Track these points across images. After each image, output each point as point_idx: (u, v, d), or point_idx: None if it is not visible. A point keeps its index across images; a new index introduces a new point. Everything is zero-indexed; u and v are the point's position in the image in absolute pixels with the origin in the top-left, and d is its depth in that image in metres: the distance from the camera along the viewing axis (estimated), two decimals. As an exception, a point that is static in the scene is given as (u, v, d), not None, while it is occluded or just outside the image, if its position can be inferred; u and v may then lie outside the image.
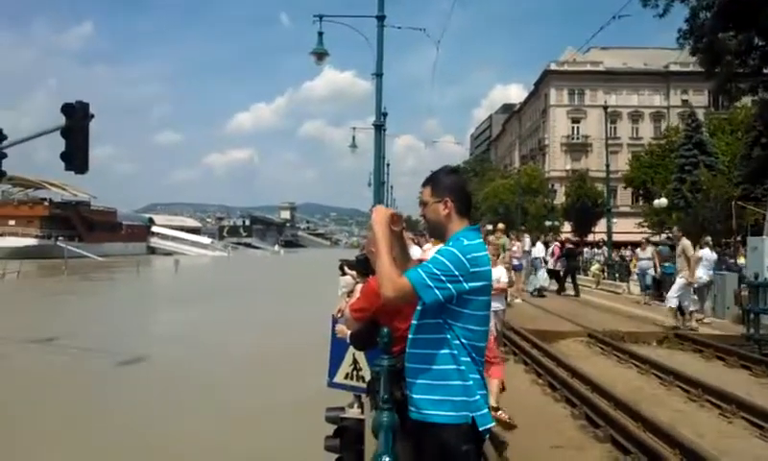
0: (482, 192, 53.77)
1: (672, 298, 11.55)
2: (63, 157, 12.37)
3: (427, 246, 4.31)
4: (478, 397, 2.34)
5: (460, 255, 2.31)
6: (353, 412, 5.84)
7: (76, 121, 12.29)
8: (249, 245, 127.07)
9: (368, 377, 5.72)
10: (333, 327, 5.84)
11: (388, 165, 32.01)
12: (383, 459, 1.30)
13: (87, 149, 12.49)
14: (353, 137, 29.48)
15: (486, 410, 2.36)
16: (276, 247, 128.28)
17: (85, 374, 11.36)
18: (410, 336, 2.49)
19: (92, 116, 12.70)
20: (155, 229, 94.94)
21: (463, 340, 2.34)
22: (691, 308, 11.72)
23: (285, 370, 11.29)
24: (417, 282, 2.28)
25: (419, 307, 2.42)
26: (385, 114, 16.93)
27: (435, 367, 2.36)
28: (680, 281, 11.55)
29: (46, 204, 70.30)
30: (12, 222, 65.81)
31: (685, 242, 11.93)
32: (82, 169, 12.54)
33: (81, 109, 12.41)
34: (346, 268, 4.54)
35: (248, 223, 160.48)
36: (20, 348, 13.65)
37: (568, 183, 49.52)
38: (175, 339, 15.47)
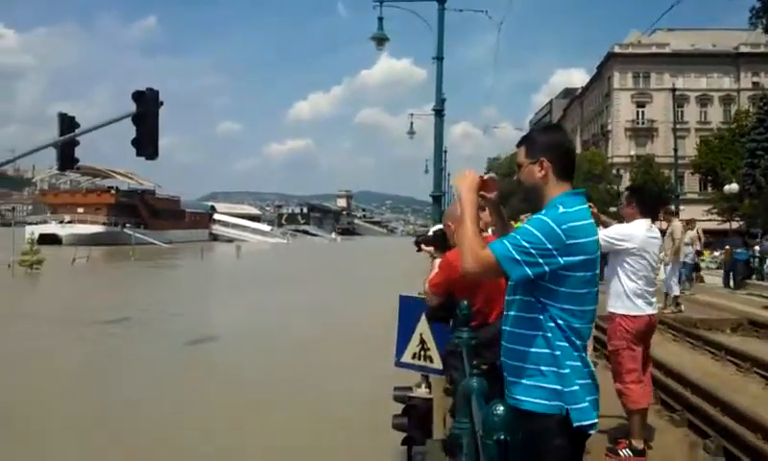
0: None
1: (673, 285, 11.76)
2: (134, 143, 12.78)
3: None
4: (576, 387, 2.09)
5: (554, 226, 2.06)
6: (421, 392, 5.85)
7: (146, 108, 12.67)
8: (306, 232, 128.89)
9: (435, 358, 5.74)
10: (400, 307, 5.88)
11: (445, 152, 31.82)
12: (497, 408, 1.28)
13: (157, 135, 12.87)
14: (411, 124, 29.46)
15: (585, 404, 2.10)
16: (333, 234, 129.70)
17: (146, 356, 11.71)
18: (505, 313, 2.29)
19: (161, 103, 13.08)
20: (216, 216, 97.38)
21: (559, 322, 2.10)
22: (675, 293, 11.80)
23: (352, 350, 11.41)
24: (502, 256, 2.05)
25: (510, 283, 2.21)
26: (444, 100, 16.82)
27: (527, 349, 2.14)
28: (671, 266, 11.75)
29: (113, 192, 72.86)
30: (80, 210, 68.46)
31: (676, 224, 11.90)
32: (152, 155, 12.92)
33: (151, 96, 12.78)
34: (422, 244, 4.52)
35: (305, 211, 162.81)
36: (82, 329, 14.17)
37: (633, 169, 48.17)
38: (241, 321, 15.82)
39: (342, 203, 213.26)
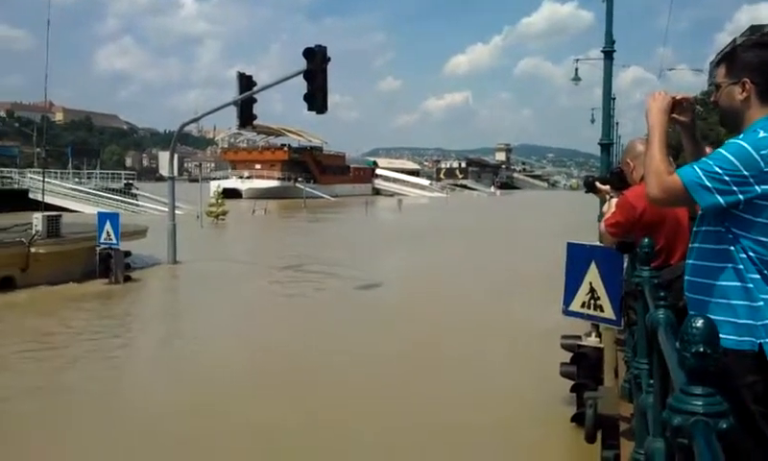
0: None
1: None
2: (306, 98, 13.57)
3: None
4: None
5: (751, 151, 1.90)
6: (591, 340, 5.73)
7: (316, 64, 13.35)
8: (465, 186, 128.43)
9: (606, 307, 5.58)
10: (567, 254, 5.75)
11: (614, 99, 30.00)
12: (696, 320, 1.24)
13: (326, 90, 13.55)
14: (576, 70, 28.01)
15: None
16: (492, 188, 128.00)
17: (325, 302, 12.39)
18: (690, 245, 2.20)
19: (329, 60, 13.69)
20: (378, 171, 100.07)
21: (751, 253, 1.98)
22: None
23: (519, 298, 11.41)
24: (690, 182, 1.95)
25: (699, 212, 2.11)
26: (614, 41, 15.83)
27: (715, 282, 2.04)
28: None
29: (286, 149, 77.47)
30: (257, 166, 73.63)
31: None
32: (321, 109, 13.63)
33: (320, 53, 13.45)
34: (598, 183, 4.37)
35: (463, 165, 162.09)
36: (267, 273, 15.36)
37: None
38: (409, 270, 16.19)
39: (501, 156, 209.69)
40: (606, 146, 14.73)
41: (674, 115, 2.23)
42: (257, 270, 15.90)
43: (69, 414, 6.15)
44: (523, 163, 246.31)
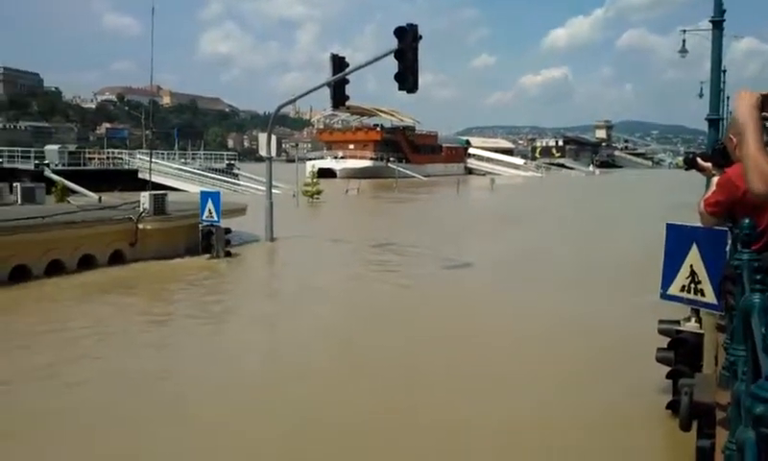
0: None
1: None
2: (397, 77, 13.59)
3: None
4: None
5: None
6: (690, 326, 5.47)
7: (406, 43, 13.34)
8: (561, 165, 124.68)
9: (707, 291, 5.31)
10: (666, 236, 5.51)
11: (724, 72, 28.17)
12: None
13: (417, 69, 13.50)
14: (683, 42, 26.46)
15: None
16: (591, 167, 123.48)
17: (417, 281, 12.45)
18: None
19: (420, 38, 13.63)
20: (471, 150, 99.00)
21: None
22: None
23: (614, 280, 11.07)
24: None
25: None
26: (724, 10, 14.82)
27: None
28: None
29: (378, 129, 78.13)
30: (351, 146, 74.76)
31: None
32: (412, 88, 13.62)
33: (411, 32, 13.41)
34: (699, 160, 4.14)
35: (560, 143, 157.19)
36: (359, 250, 15.64)
37: None
38: (502, 252, 16.02)
39: (600, 134, 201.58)
40: (714, 122, 13.85)
41: (765, 114, 2.13)
42: (350, 248, 16.20)
43: (188, 374, 6.62)
44: (626, 141, 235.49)
